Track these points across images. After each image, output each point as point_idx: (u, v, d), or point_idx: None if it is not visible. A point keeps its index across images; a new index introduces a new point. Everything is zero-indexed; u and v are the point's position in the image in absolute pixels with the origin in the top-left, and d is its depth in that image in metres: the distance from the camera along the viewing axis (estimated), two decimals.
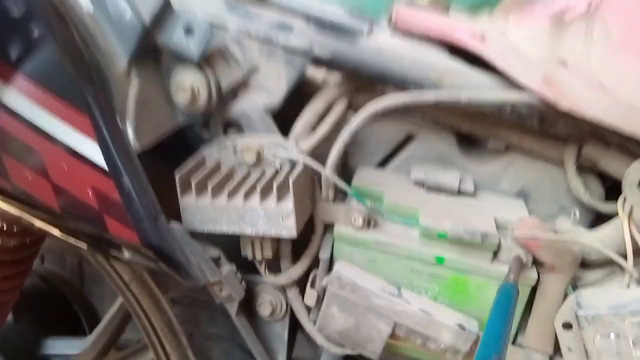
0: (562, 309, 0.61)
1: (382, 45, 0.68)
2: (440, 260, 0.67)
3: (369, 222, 0.69)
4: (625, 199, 0.62)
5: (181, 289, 0.84)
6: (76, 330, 1.15)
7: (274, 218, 0.63)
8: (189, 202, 0.65)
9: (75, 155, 0.58)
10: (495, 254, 0.66)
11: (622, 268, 0.65)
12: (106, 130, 0.54)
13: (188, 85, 0.62)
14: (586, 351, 0.55)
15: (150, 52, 0.59)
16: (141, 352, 1.05)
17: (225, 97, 0.68)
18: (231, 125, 0.71)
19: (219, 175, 0.66)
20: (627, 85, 0.58)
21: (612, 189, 0.74)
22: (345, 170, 0.81)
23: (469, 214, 0.70)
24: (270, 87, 0.69)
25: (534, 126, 0.69)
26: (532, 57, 0.63)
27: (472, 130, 0.76)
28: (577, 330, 0.59)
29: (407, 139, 0.80)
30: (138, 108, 0.57)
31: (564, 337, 0.60)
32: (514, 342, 0.68)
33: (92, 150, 0.56)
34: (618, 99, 0.58)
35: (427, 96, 0.65)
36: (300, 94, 0.75)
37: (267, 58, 0.68)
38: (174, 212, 0.64)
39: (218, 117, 0.70)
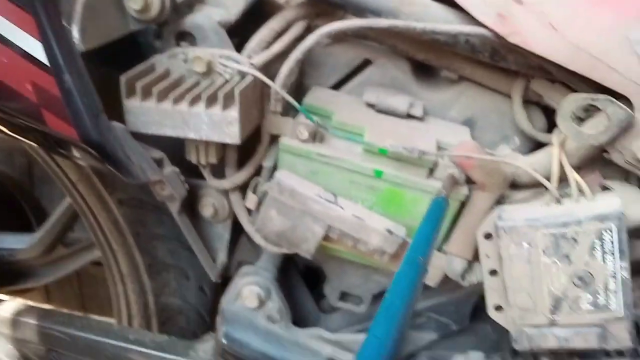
0: (486, 222, 0.64)
1: None
2: (378, 174, 0.70)
3: (315, 136, 0.71)
4: (559, 129, 0.64)
5: (128, 191, 0.86)
6: (25, 229, 1.16)
7: (218, 124, 0.65)
8: (133, 104, 0.65)
9: (16, 49, 0.58)
10: (431, 171, 0.69)
11: (547, 190, 0.69)
12: (50, 30, 0.54)
13: None
14: (500, 258, 0.60)
15: None
16: (88, 250, 1.08)
17: (180, 8, 0.67)
18: (184, 38, 0.71)
19: (166, 82, 0.67)
20: (575, 26, 0.59)
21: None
22: (301, 89, 0.82)
23: (412, 136, 0.72)
24: (227, 2, 0.69)
25: (486, 59, 0.70)
26: None
27: (427, 59, 0.77)
28: (496, 240, 0.64)
29: (364, 64, 0.80)
30: (85, 12, 0.57)
31: (484, 246, 0.65)
32: (439, 250, 0.73)
33: (34, 47, 0.56)
34: (565, 38, 0.60)
35: (382, 23, 0.66)
36: (260, 16, 0.75)
37: None
38: (117, 116, 0.65)
39: (171, 28, 0.69)
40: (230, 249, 0.84)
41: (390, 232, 0.65)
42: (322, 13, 0.76)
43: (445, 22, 0.69)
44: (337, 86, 0.83)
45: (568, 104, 0.59)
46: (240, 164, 0.76)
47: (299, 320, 0.83)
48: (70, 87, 0.58)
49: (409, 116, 0.77)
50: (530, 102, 0.76)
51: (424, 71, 0.82)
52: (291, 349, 0.76)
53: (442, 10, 0.70)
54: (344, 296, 0.82)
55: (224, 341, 0.77)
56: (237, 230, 0.83)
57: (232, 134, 0.65)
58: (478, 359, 0.79)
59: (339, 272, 0.80)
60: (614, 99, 0.57)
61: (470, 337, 0.85)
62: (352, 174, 0.71)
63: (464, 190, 0.68)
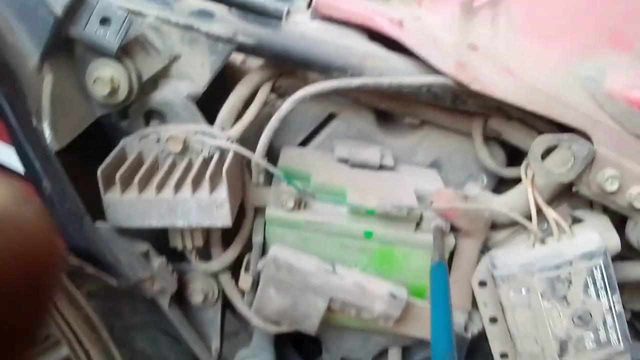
0: (478, 269, 0.68)
1: (304, 31, 0.68)
2: (368, 235, 0.71)
3: (300, 203, 0.71)
4: (527, 168, 0.69)
5: (97, 281, 0.80)
6: None
7: (207, 208, 0.62)
8: (113, 198, 0.61)
9: None
10: (418, 224, 0.71)
11: (525, 227, 0.74)
12: (21, 133, 0.49)
13: (107, 78, 0.58)
14: (502, 306, 0.63)
15: (63, 45, 0.54)
16: (54, 349, 0.99)
17: (146, 86, 0.64)
18: (153, 115, 0.67)
19: (143, 168, 0.63)
20: (529, 68, 0.64)
21: (511, 155, 0.82)
22: (269, 149, 0.81)
23: (391, 188, 0.74)
24: (194, 75, 0.66)
25: (447, 104, 0.73)
26: (446, 42, 0.67)
27: (390, 108, 0.79)
28: (491, 287, 0.67)
29: (329, 118, 0.81)
30: (53, 106, 0.53)
31: (480, 294, 0.68)
32: None
33: (7, 156, 0.51)
34: (522, 80, 0.64)
35: (354, 82, 0.67)
36: (220, 80, 0.73)
37: (189, 46, 0.65)
38: (97, 210, 0.61)
39: (138, 107, 0.66)
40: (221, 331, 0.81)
41: (393, 296, 0.67)
42: (285, 72, 0.76)
43: (405, 73, 0.71)
44: (304, 142, 0.83)
45: (538, 146, 0.64)
46: (225, 242, 0.74)
47: None
48: (50, 194, 0.53)
49: (381, 167, 0.79)
50: (489, 138, 0.81)
51: (387, 119, 0.85)
52: None
53: (402, 61, 0.72)
54: None
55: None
56: (224, 309, 0.80)
57: (223, 217, 0.63)
58: None
59: (337, 339, 0.80)
60: (577, 137, 0.62)
61: None
62: (342, 238, 0.71)
63: (451, 240, 0.71)
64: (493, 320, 0.68)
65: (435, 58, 0.67)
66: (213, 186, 0.62)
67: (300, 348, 0.87)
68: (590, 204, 0.74)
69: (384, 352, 0.82)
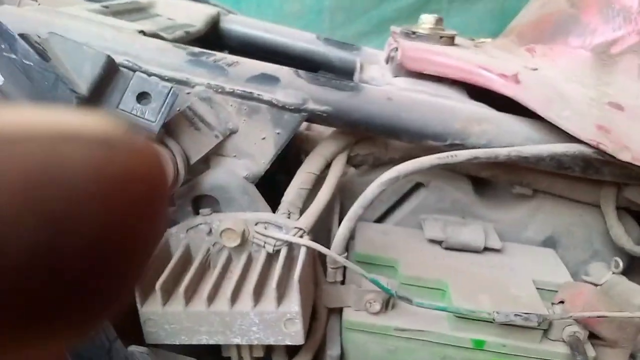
0: None
1: (391, 92, 0.54)
2: (479, 345, 0.54)
3: (387, 304, 0.55)
4: None
5: None
6: None
7: (272, 324, 0.48)
8: (153, 311, 0.48)
9: None
10: (545, 332, 0.54)
11: None
12: None
13: None
14: None
15: None
16: None
17: (194, 166, 0.51)
18: (203, 202, 0.54)
19: (191, 270, 0.50)
20: None
21: None
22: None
23: (504, 281, 0.58)
24: (254, 151, 0.53)
25: (575, 174, 0.58)
26: (579, 99, 0.52)
27: (494, 176, 0.64)
28: None
29: (415, 186, 0.66)
30: None
31: None
32: None
33: None
34: None
35: (461, 157, 0.52)
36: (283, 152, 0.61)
37: (248, 117, 0.52)
38: (131, 329, 0.48)
39: (186, 192, 0.53)
40: None
41: None
42: (362, 139, 0.62)
43: (523, 139, 0.57)
44: (381, 218, 0.68)
45: None
46: (290, 349, 0.59)
47: None
48: None
49: (485, 249, 0.63)
50: (619, 209, 0.64)
51: (487, 187, 0.69)
52: None
53: (517, 124, 0.58)
54: None
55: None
56: None
57: (293, 334, 0.48)
58: None
59: None
60: None
61: None
62: (443, 348, 0.55)
63: (590, 352, 0.53)
64: None
65: (567, 121, 0.52)
66: (280, 294, 0.48)
67: None
68: None
69: None
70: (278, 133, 0.54)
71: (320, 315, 0.58)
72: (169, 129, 0.48)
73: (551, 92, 0.56)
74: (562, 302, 0.55)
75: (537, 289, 0.58)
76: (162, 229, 0.13)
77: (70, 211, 0.10)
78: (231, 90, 0.53)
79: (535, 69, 0.57)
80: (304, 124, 0.69)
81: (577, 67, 0.60)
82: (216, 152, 0.53)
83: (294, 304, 0.47)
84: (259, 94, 0.53)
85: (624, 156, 0.51)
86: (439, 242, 0.63)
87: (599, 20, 0.62)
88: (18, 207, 0.10)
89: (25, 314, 0.11)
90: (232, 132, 0.52)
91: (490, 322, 0.52)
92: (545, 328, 0.53)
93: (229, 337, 0.49)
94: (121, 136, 0.12)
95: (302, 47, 0.80)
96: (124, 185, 0.11)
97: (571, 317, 0.51)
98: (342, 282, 0.57)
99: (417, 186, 0.67)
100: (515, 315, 0.50)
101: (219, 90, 0.53)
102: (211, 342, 0.49)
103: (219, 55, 0.56)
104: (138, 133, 0.12)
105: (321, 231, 0.59)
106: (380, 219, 0.68)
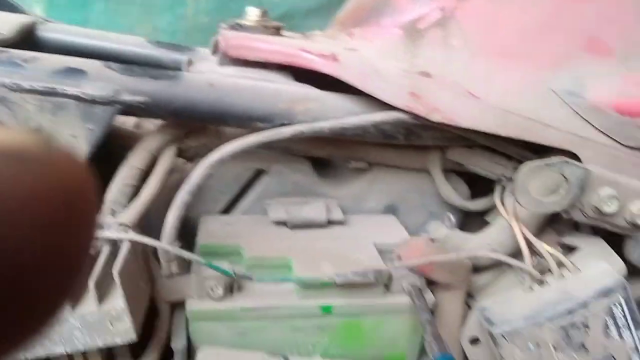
0: (468, 326, 0.54)
1: (214, 78, 0.54)
2: (327, 310, 0.55)
3: (231, 287, 0.54)
4: (503, 199, 0.58)
5: None
6: None
7: (97, 325, 0.44)
8: None
9: None
10: (386, 286, 0.56)
11: (511, 267, 0.61)
12: None
13: None
14: None
15: None
16: None
17: None
18: None
19: None
20: (496, 90, 0.54)
21: (471, 185, 0.71)
22: (184, 221, 0.64)
23: (346, 248, 0.59)
24: None
25: (399, 142, 0.61)
26: (392, 71, 0.55)
27: (329, 155, 0.66)
28: (486, 344, 0.53)
29: (256, 175, 0.66)
30: None
31: (474, 354, 0.54)
32: None
33: None
34: (489, 104, 0.53)
35: (285, 133, 0.53)
36: (107, 147, 0.58)
37: (52, 115, 0.49)
38: None
39: None
40: None
41: None
42: (192, 131, 0.61)
43: (346, 113, 0.59)
44: (227, 209, 0.67)
45: (524, 174, 0.52)
46: (134, 351, 0.55)
47: None
48: None
49: (329, 223, 0.65)
50: (447, 171, 0.69)
51: (326, 166, 0.71)
52: None
53: (340, 100, 0.60)
54: None
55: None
56: None
57: (123, 331, 0.45)
58: None
59: None
60: (568, 159, 0.51)
61: None
62: (293, 320, 0.55)
63: (429, 297, 0.56)
64: None
65: (383, 91, 0.56)
66: (102, 294, 0.45)
67: None
68: (576, 226, 0.62)
69: None
70: (90, 129, 0.51)
71: (162, 312, 0.55)
72: None
73: (368, 68, 0.60)
74: (399, 257, 0.57)
75: (379, 251, 0.60)
76: (87, 240, 0.12)
77: None
78: (30, 87, 0.49)
79: (354, 49, 0.61)
80: (133, 121, 0.67)
81: (390, 44, 0.64)
82: None
83: (117, 299, 0.44)
84: (63, 89, 0.50)
85: (435, 117, 0.55)
86: (284, 223, 0.63)
87: (407, 1, 0.67)
88: None
89: None
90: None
91: (330, 284, 0.53)
92: (386, 283, 0.55)
93: (50, 348, 0.44)
94: (35, 147, 0.11)
95: (132, 50, 0.77)
96: (36, 201, 0.10)
97: (404, 266, 0.54)
98: None
99: (259, 173, 0.67)
100: (353, 274, 0.52)
101: (15, 88, 0.49)
102: (33, 357, 0.44)
103: (14, 51, 0.52)
104: (58, 146, 0.11)
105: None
106: (225, 211, 0.67)
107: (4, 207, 0.10)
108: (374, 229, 0.65)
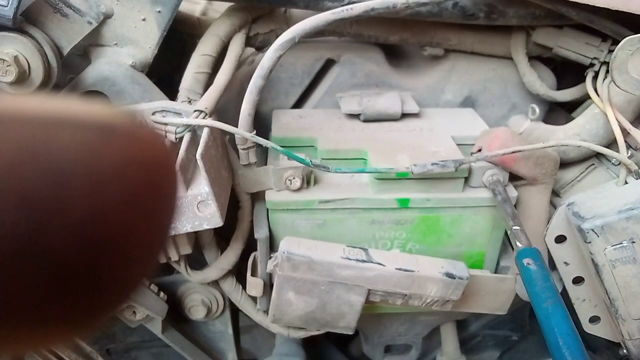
0: (553, 223, 0.51)
1: None
2: (404, 203, 0.54)
3: (308, 180, 0.54)
4: (595, 84, 0.52)
5: None
6: None
7: (185, 210, 0.46)
8: None
9: None
10: (466, 180, 0.54)
11: (601, 161, 0.57)
12: None
13: (9, 57, 0.40)
14: (596, 265, 0.47)
15: None
16: None
17: (71, 61, 0.47)
18: (90, 96, 0.50)
19: None
20: None
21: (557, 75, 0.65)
22: (257, 118, 0.64)
23: (422, 141, 0.57)
24: (135, 36, 0.49)
25: (480, 21, 0.56)
26: None
27: (403, 40, 0.62)
28: (572, 242, 0.51)
29: (327, 66, 0.64)
30: None
31: (559, 252, 0.52)
32: (496, 269, 0.60)
33: None
34: None
35: (357, 10, 0.49)
36: (177, 42, 0.56)
37: None
38: None
39: (69, 92, 0.49)
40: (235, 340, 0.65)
41: (451, 275, 0.50)
42: (259, 16, 0.58)
43: None
44: (298, 102, 0.66)
45: (624, 51, 0.46)
46: (220, 241, 0.58)
47: None
48: None
49: (404, 115, 0.62)
50: (532, 58, 0.63)
51: (400, 55, 0.67)
52: None
53: None
54: (388, 348, 0.67)
55: None
56: (236, 315, 0.65)
57: (210, 217, 0.46)
58: None
59: (378, 327, 0.65)
60: None
61: (532, 340, 0.74)
62: (370, 213, 0.55)
63: (512, 193, 0.54)
64: (578, 280, 0.52)
65: None
66: (188, 179, 0.46)
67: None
68: None
69: (434, 331, 0.67)
70: (159, 11, 0.49)
71: (243, 203, 0.56)
72: (31, 18, 0.43)
73: None
74: (480, 150, 0.55)
75: (457, 145, 0.58)
76: (169, 214, 0.12)
77: (56, 195, 0.10)
78: None
79: None
80: (200, 8, 0.65)
81: None
82: (94, 42, 0.48)
83: (202, 185, 0.45)
84: None
85: None
86: (357, 116, 0.62)
87: None
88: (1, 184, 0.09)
89: (19, 300, 0.10)
90: (107, 16, 0.48)
91: (410, 178, 0.52)
92: (465, 176, 0.53)
93: None
94: (122, 123, 0.11)
95: None
96: (121, 172, 0.11)
97: (486, 157, 0.51)
98: None
99: (329, 64, 0.64)
100: (432, 164, 0.50)
101: None
102: None
103: None
104: (141, 121, 0.12)
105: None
106: (297, 105, 0.66)
107: (95, 176, 0.10)
108: (452, 122, 0.62)
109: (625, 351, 0.55)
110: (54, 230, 0.10)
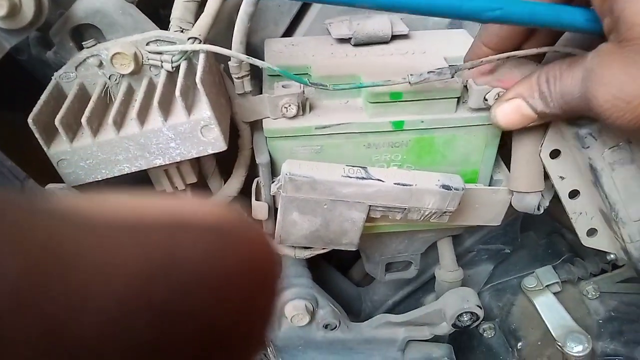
0: (548, 137, 0.53)
1: None
2: (398, 125, 0.56)
3: (304, 107, 0.55)
4: None
5: None
6: None
7: (189, 135, 0.47)
8: (61, 150, 0.46)
9: None
10: (458, 100, 0.56)
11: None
12: None
13: None
14: (595, 171, 0.49)
15: None
16: None
17: None
18: (84, 34, 0.50)
19: (91, 103, 0.47)
20: None
21: None
22: (247, 50, 0.64)
23: (415, 63, 0.58)
24: None
25: None
26: None
27: None
28: (568, 154, 0.53)
29: None
30: None
31: (554, 167, 0.54)
32: (490, 183, 0.62)
33: None
34: None
35: None
36: None
37: None
38: (46, 173, 0.46)
39: (60, 27, 0.49)
40: None
41: (447, 187, 0.53)
42: None
43: None
44: (288, 32, 0.66)
45: None
46: (223, 171, 0.59)
47: (347, 310, 0.71)
48: None
49: (394, 38, 0.63)
50: None
51: None
52: (363, 349, 0.65)
53: None
54: (389, 266, 0.71)
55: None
56: None
57: (213, 140, 0.48)
58: (546, 274, 0.72)
59: (379, 246, 0.68)
60: None
61: (523, 253, 0.78)
62: (366, 137, 0.56)
63: None
64: (574, 194, 0.54)
65: None
66: (190, 105, 0.47)
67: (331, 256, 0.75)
68: None
69: (432, 246, 0.71)
70: None
71: (243, 132, 0.57)
72: None
73: None
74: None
75: (450, 65, 0.58)
76: (271, 316, 0.12)
77: (182, 304, 0.10)
78: None
79: None
80: None
81: None
82: None
83: (204, 109, 0.46)
84: None
85: None
86: (348, 40, 0.62)
87: None
88: (134, 301, 0.09)
89: None
90: None
91: (404, 100, 0.53)
92: (457, 96, 0.54)
93: (150, 160, 0.48)
94: (234, 224, 0.11)
95: None
96: (237, 276, 0.11)
97: (482, 62, 0.51)
98: None
99: None
100: (429, 72, 0.51)
101: None
102: (133, 169, 0.49)
103: None
104: (249, 220, 0.12)
105: None
106: (287, 34, 0.66)
107: (216, 283, 0.11)
108: (444, 44, 0.62)
109: (613, 257, 0.59)
110: (179, 339, 0.10)
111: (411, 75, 0.49)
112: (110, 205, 0.11)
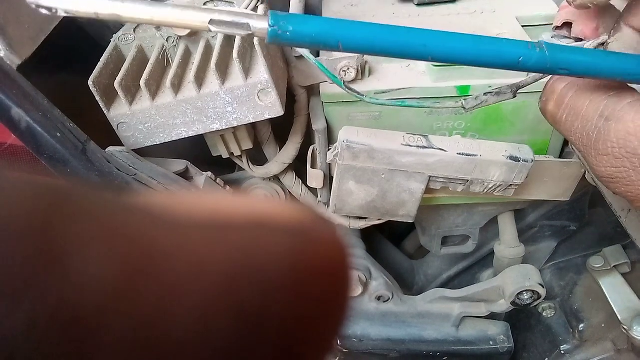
0: None
1: None
2: (464, 91, 0.52)
3: (363, 70, 0.53)
4: None
5: None
6: None
7: (246, 100, 0.46)
8: (121, 113, 0.46)
9: None
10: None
11: None
12: None
13: None
14: None
15: None
16: None
17: None
18: None
19: (149, 66, 0.47)
20: None
21: None
22: (305, 11, 0.62)
23: (484, 23, 0.54)
24: None
25: None
26: None
27: None
28: None
29: None
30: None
31: None
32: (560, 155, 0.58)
33: None
34: None
35: None
36: None
37: None
38: (104, 137, 0.46)
39: None
40: None
41: (515, 158, 0.49)
42: None
43: None
44: None
45: None
46: (277, 136, 0.58)
47: (400, 283, 0.69)
48: (27, 125, 0.38)
49: None
50: None
51: None
52: (416, 323, 0.63)
53: None
54: (445, 240, 0.68)
55: (339, 343, 0.63)
56: None
57: (271, 106, 0.47)
58: (615, 254, 0.67)
59: (436, 219, 0.65)
60: None
61: (590, 230, 0.73)
62: (428, 102, 0.53)
63: None
64: None
65: None
66: (247, 68, 0.46)
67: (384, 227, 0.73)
68: None
69: (492, 221, 0.67)
70: None
71: (299, 97, 0.56)
72: None
73: None
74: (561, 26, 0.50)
75: (523, 26, 0.54)
76: (345, 319, 0.12)
77: (264, 304, 0.10)
78: None
79: None
80: None
81: None
82: None
83: (261, 72, 0.45)
84: None
85: None
86: (411, 0, 0.59)
87: None
88: (220, 300, 0.09)
89: None
90: None
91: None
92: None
93: (207, 124, 0.48)
94: (312, 225, 0.11)
95: None
96: (315, 279, 0.11)
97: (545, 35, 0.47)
98: None
99: None
100: (485, 94, 0.45)
101: None
102: (191, 133, 0.48)
103: None
104: (326, 221, 0.12)
105: None
106: None
107: (296, 284, 0.10)
108: (515, 0, 0.58)
109: None
110: (259, 341, 0.10)
111: (465, 99, 0.44)
112: (188, 203, 0.11)
